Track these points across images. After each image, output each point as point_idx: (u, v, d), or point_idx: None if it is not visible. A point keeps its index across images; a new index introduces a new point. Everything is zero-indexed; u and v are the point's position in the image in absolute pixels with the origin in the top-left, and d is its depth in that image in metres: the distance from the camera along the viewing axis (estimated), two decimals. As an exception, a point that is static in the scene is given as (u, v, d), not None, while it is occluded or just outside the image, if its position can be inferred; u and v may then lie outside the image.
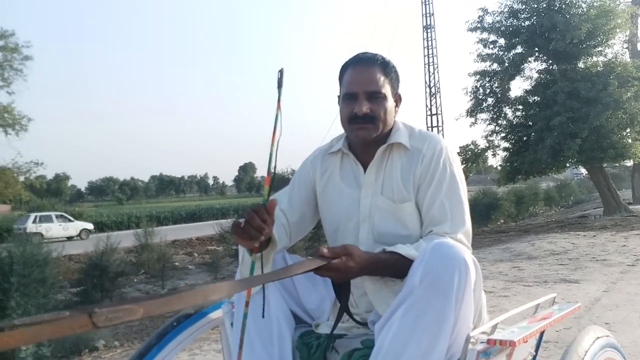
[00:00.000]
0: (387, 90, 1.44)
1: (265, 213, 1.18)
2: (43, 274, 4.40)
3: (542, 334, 1.36)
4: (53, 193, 72.91)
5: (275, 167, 1.21)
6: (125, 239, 8.22)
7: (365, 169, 1.49)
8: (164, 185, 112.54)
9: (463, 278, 1.15)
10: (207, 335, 3.57)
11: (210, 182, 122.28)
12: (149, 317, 0.76)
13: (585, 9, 12.88)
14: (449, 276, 1.13)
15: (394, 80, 1.49)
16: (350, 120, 1.43)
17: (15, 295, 3.98)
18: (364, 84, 1.42)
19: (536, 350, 1.40)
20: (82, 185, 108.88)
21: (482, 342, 1.15)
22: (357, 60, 1.48)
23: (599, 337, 1.32)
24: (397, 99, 1.51)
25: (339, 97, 1.50)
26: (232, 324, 1.40)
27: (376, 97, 1.42)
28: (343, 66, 1.50)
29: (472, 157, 15.35)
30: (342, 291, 1.32)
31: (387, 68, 1.47)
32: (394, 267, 1.27)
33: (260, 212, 1.18)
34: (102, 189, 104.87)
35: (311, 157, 1.62)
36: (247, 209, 1.21)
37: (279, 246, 1.39)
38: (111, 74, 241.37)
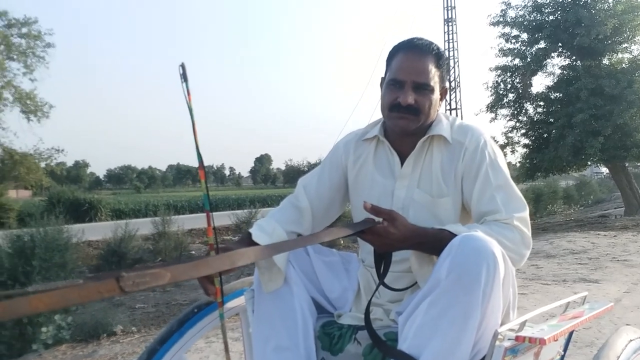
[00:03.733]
0: (436, 82, 1.37)
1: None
2: (63, 258, 4.48)
3: (571, 333, 1.32)
4: (73, 180, 73.98)
5: (202, 160, 1.15)
6: (142, 226, 8.30)
7: (400, 158, 1.43)
8: (181, 174, 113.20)
9: (491, 273, 1.10)
10: (227, 323, 3.58)
11: (227, 172, 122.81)
12: (176, 282, 0.75)
13: (611, 4, 12.57)
14: (477, 270, 1.09)
15: (445, 73, 1.42)
16: (391, 108, 1.37)
17: (37, 279, 4.06)
18: (414, 74, 1.34)
19: (565, 350, 1.36)
20: (101, 173, 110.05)
21: (510, 339, 1.11)
22: (410, 46, 1.39)
23: (632, 340, 1.27)
24: (443, 92, 1.44)
25: (382, 79, 1.43)
26: (253, 310, 1.39)
27: (424, 88, 1.35)
28: (394, 48, 1.42)
29: (490, 154, 15.12)
30: (382, 264, 1.27)
31: (440, 60, 1.39)
32: (442, 243, 1.18)
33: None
34: (120, 177, 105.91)
35: (344, 141, 1.56)
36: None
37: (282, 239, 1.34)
38: (129, 65, 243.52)
